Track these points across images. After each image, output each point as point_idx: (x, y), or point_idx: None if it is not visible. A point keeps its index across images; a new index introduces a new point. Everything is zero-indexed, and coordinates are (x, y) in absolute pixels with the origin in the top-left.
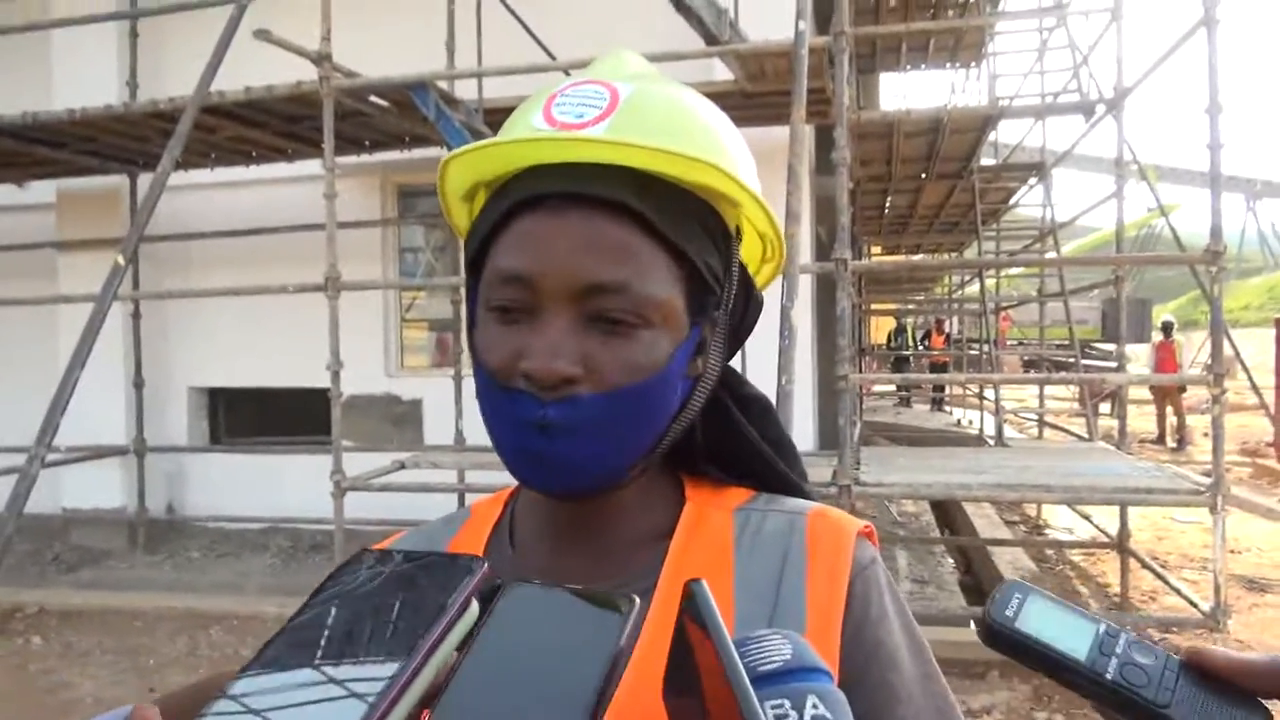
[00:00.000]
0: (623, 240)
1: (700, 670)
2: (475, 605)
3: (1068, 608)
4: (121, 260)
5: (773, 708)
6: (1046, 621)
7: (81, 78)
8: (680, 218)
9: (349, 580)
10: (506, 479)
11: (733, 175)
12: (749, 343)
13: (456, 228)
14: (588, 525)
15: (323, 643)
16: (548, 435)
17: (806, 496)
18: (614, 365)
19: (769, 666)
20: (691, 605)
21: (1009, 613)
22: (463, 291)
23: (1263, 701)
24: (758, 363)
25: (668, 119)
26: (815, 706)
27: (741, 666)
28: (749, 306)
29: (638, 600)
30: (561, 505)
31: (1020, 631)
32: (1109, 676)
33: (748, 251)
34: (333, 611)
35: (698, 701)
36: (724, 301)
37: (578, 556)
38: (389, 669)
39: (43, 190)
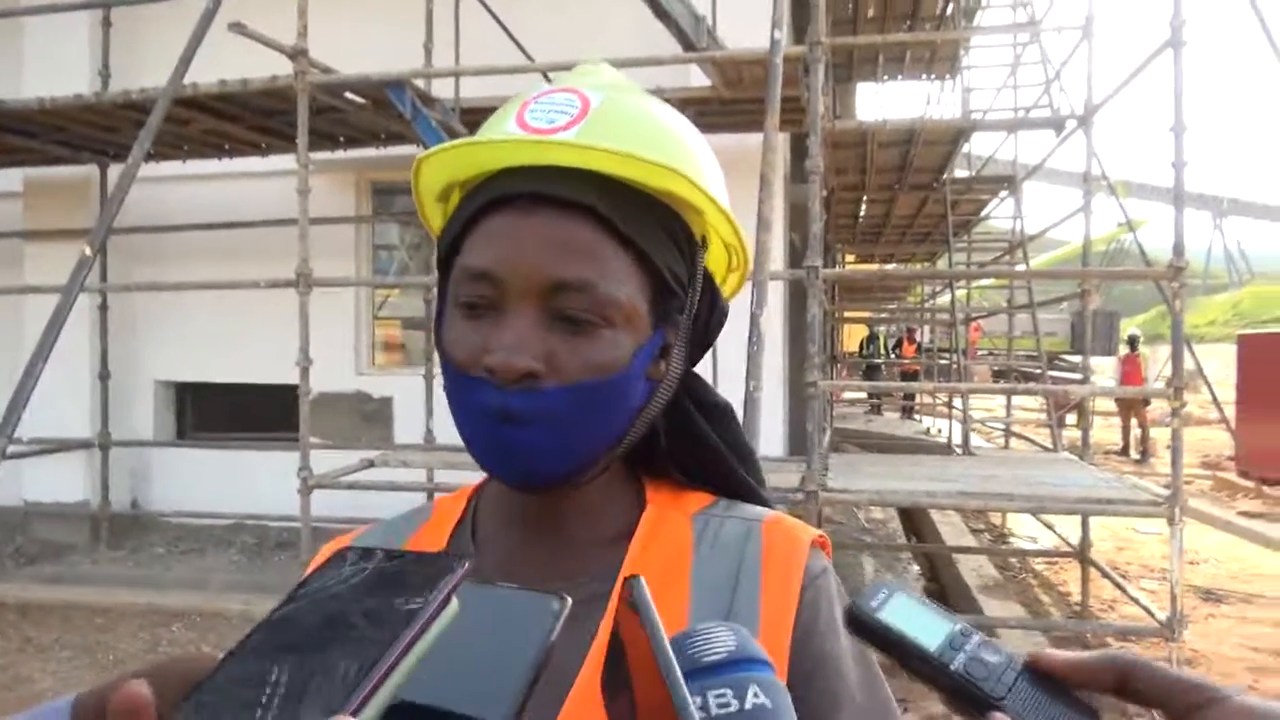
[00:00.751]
0: (587, 241)
1: (632, 667)
2: (455, 602)
3: (930, 608)
4: (89, 251)
5: (715, 696)
6: (906, 616)
7: (53, 66)
8: (645, 223)
9: (332, 576)
10: (476, 478)
11: (696, 183)
12: (719, 347)
13: (430, 226)
14: (549, 522)
15: (303, 636)
16: (510, 424)
17: (765, 502)
18: (575, 362)
19: (713, 657)
20: (631, 601)
21: (873, 604)
22: (435, 290)
23: (1094, 706)
24: (727, 368)
25: (636, 127)
26: (756, 695)
27: (673, 656)
28: (714, 314)
29: (569, 599)
30: (524, 501)
31: (880, 621)
32: (953, 667)
33: (714, 260)
34: (314, 606)
35: (629, 698)
36: (687, 307)
37: (538, 553)
38: (368, 662)
39: (9, 178)
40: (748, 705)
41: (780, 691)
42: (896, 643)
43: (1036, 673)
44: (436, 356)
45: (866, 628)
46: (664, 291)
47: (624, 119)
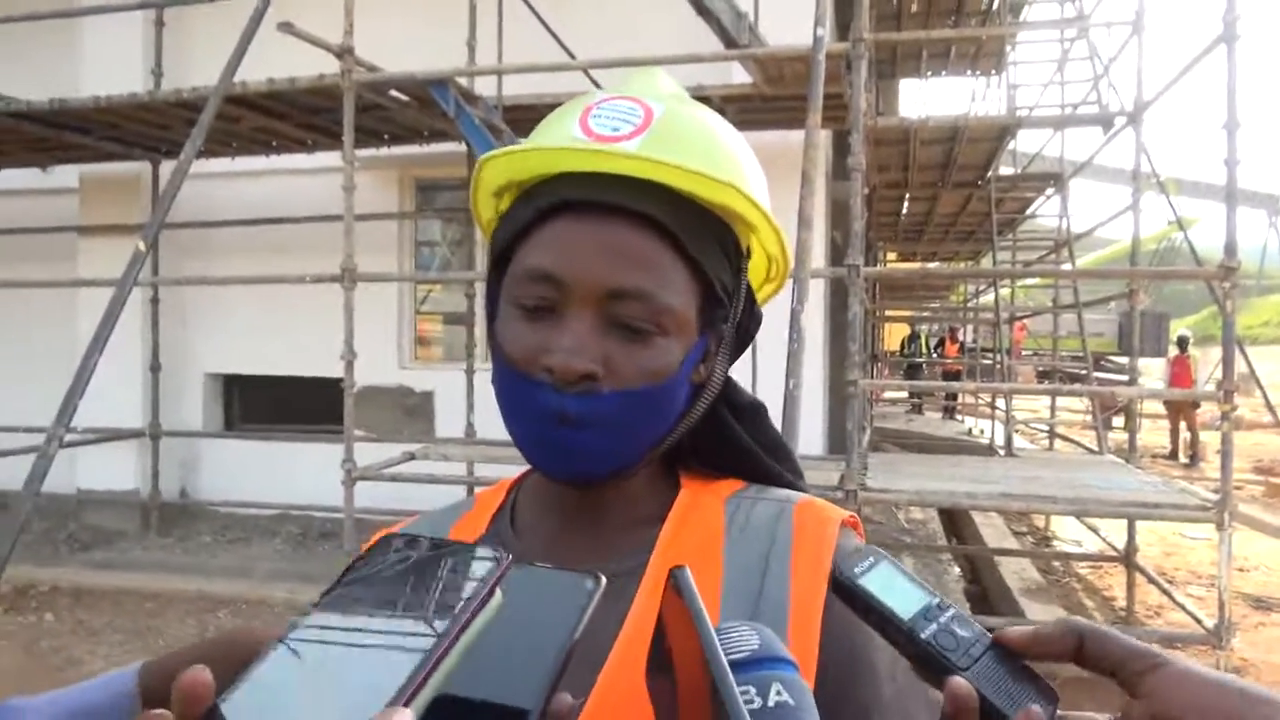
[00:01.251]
0: (649, 251)
1: (673, 652)
2: (499, 595)
3: (912, 579)
4: (143, 246)
5: (740, 693)
6: (887, 584)
7: (108, 66)
8: (701, 235)
9: (378, 563)
10: (516, 472)
11: (754, 200)
12: (759, 345)
13: (480, 220)
14: (587, 511)
15: (352, 623)
16: (567, 426)
17: (797, 489)
18: (631, 368)
19: (737, 655)
20: (675, 591)
21: (857, 570)
22: (478, 286)
23: (1053, 688)
24: (767, 365)
25: (696, 141)
26: (779, 693)
27: (722, 653)
28: (751, 320)
29: (603, 579)
30: (566, 491)
31: (860, 586)
32: (923, 636)
33: (754, 269)
34: (362, 593)
35: (670, 680)
36: (731, 315)
37: (575, 538)
38: (417, 653)
39: (66, 175)
40: (770, 703)
41: (803, 691)
42: (874, 608)
43: (1004, 650)
44: (479, 352)
45: (847, 591)
46: (711, 300)
47: (685, 132)
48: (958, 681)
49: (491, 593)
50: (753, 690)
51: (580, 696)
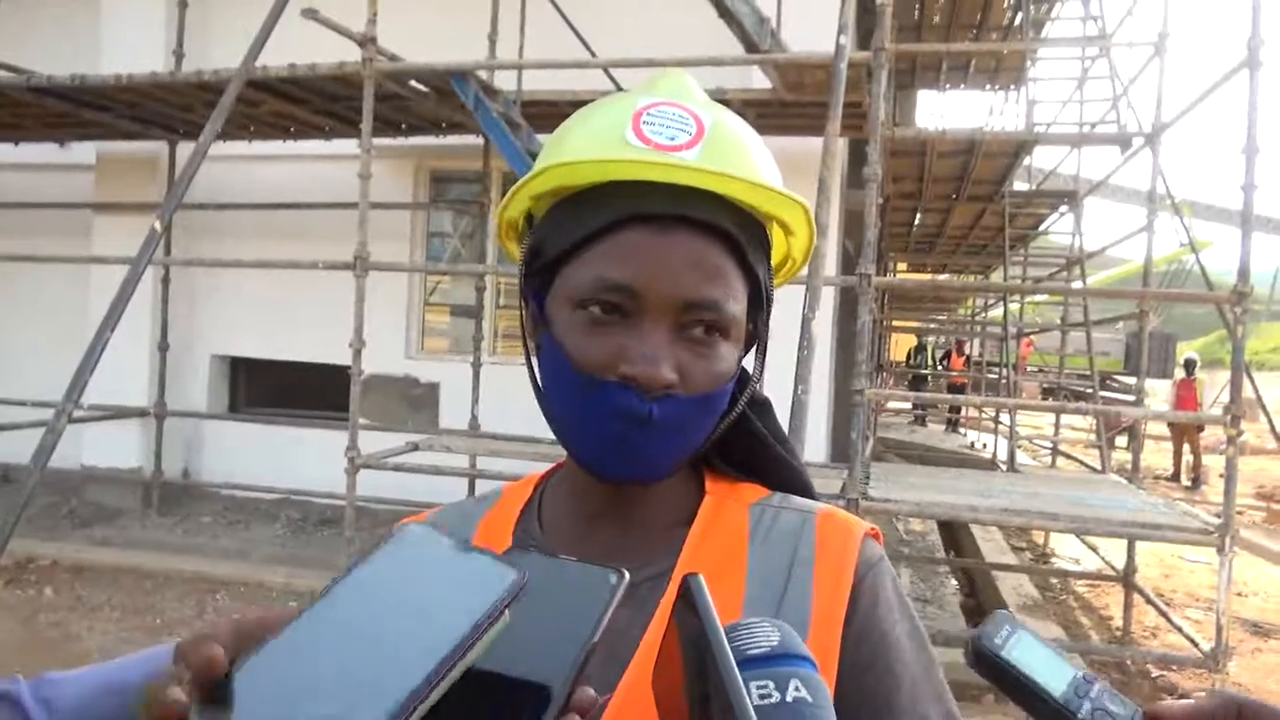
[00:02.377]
0: (719, 262)
1: (656, 664)
2: (507, 615)
3: (1051, 649)
4: (159, 226)
5: (758, 687)
6: (1031, 655)
7: (130, 44)
8: (755, 243)
9: (396, 557)
10: (518, 467)
11: (809, 211)
12: (769, 349)
13: (506, 217)
14: (616, 510)
15: (359, 625)
16: (646, 429)
17: (811, 491)
18: (703, 374)
19: (757, 650)
20: (687, 597)
21: (998, 640)
22: (488, 279)
23: None
24: (775, 370)
25: (745, 151)
26: (798, 689)
27: (731, 654)
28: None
29: (627, 574)
30: (598, 490)
31: (1006, 660)
32: (1080, 716)
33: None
34: (380, 583)
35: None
36: (766, 317)
37: (603, 538)
38: (424, 659)
39: (83, 151)
40: (789, 698)
41: (821, 689)
42: (1022, 683)
43: None
44: (486, 345)
45: (991, 663)
46: (756, 304)
47: (735, 142)
48: None
49: (501, 614)
50: (771, 685)
51: (608, 692)
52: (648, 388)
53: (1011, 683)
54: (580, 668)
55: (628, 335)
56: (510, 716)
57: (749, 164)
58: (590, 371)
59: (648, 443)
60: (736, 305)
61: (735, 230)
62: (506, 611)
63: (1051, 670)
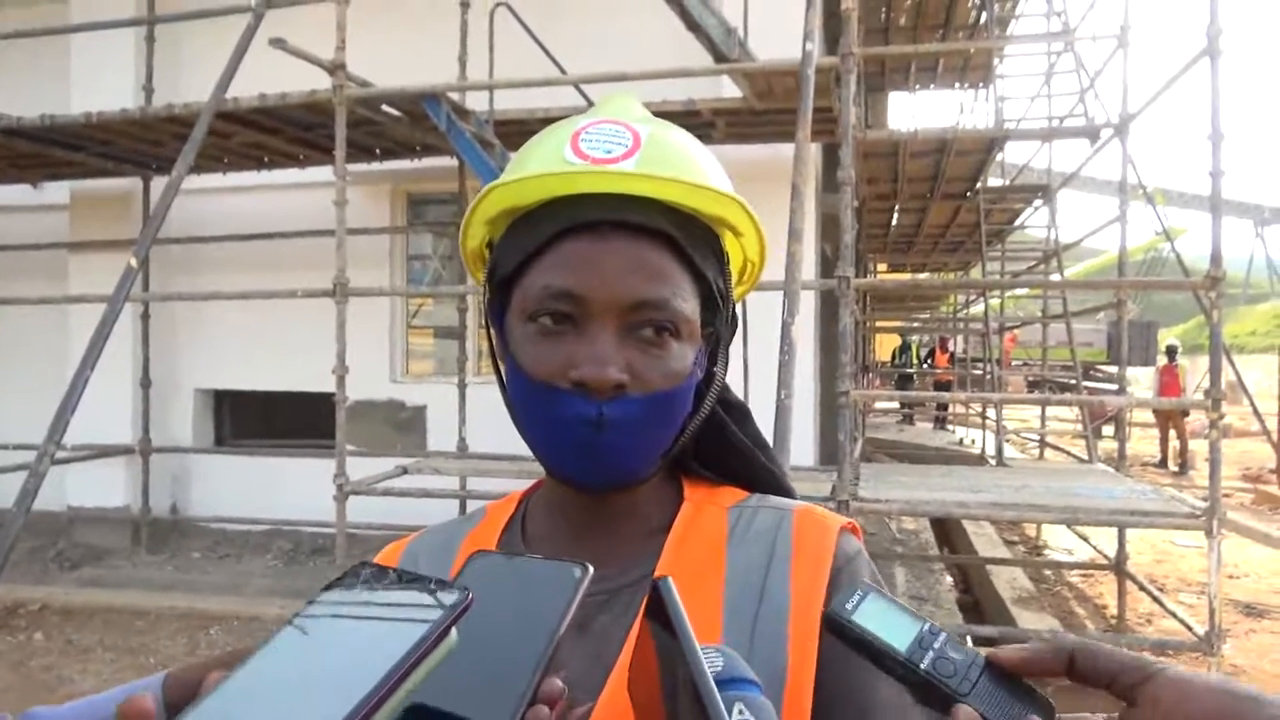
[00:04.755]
0: (660, 263)
1: (630, 665)
2: (454, 635)
3: (900, 608)
4: (135, 263)
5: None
6: (878, 616)
7: (99, 82)
8: (700, 244)
9: (346, 594)
10: (508, 486)
11: (747, 209)
12: (751, 356)
13: (467, 248)
14: (597, 521)
15: (306, 659)
16: (601, 430)
17: (791, 493)
18: (654, 372)
19: None
20: (656, 601)
21: (848, 607)
22: (470, 300)
23: (1049, 702)
24: (759, 377)
25: (682, 158)
26: (742, 712)
27: (704, 661)
28: (732, 321)
29: (590, 568)
30: (575, 502)
31: (853, 623)
32: (923, 667)
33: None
34: (325, 625)
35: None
36: (726, 317)
37: (586, 549)
38: (362, 690)
39: (56, 191)
40: None
41: (766, 710)
42: (869, 643)
43: (997, 669)
44: (471, 366)
45: (841, 630)
46: (709, 304)
47: (671, 151)
48: (966, 711)
49: (446, 633)
50: None
51: (591, 698)
52: (597, 389)
53: (862, 645)
54: (548, 660)
55: (577, 342)
56: None
57: (685, 169)
58: (544, 380)
59: (608, 444)
60: (684, 304)
61: (674, 231)
62: (453, 631)
63: (897, 628)
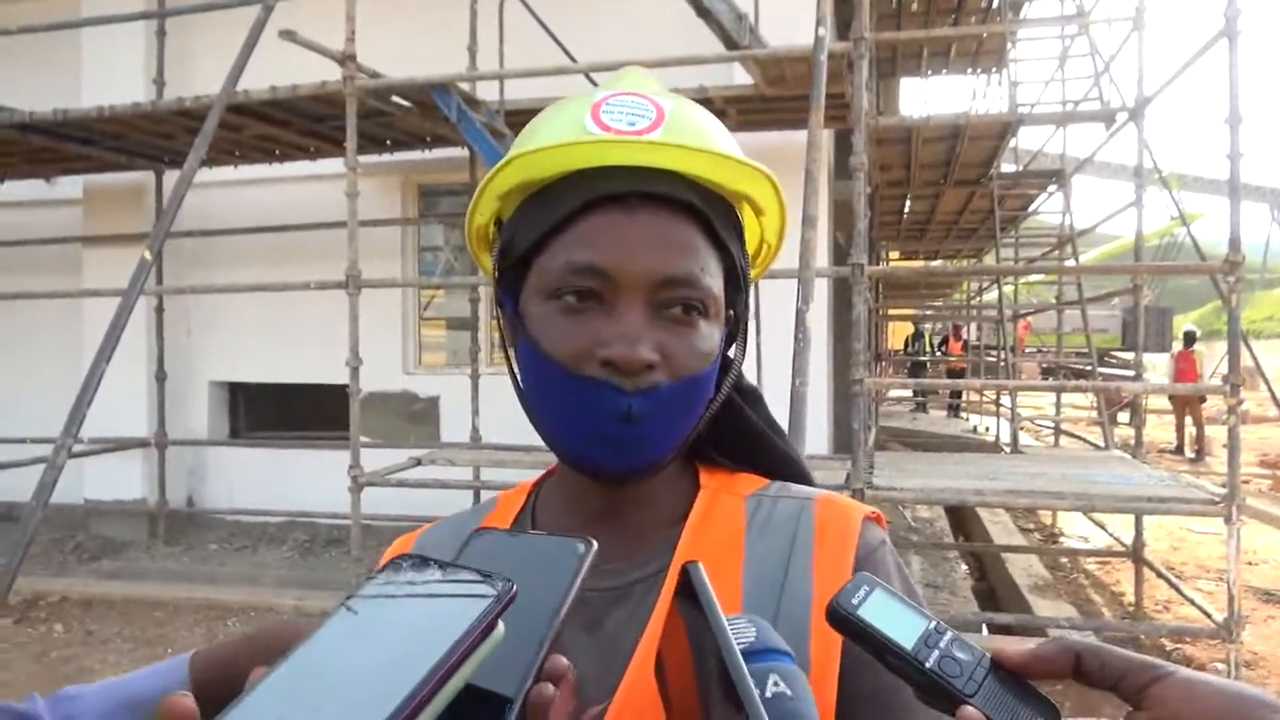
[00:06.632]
0: (688, 238)
1: (662, 652)
2: (501, 627)
3: (906, 604)
4: (149, 256)
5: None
6: (885, 611)
7: (110, 76)
8: (727, 221)
9: (387, 586)
10: (521, 476)
11: (777, 185)
12: (765, 343)
13: (473, 224)
14: (610, 510)
15: (353, 654)
16: (630, 423)
17: (809, 478)
18: (684, 353)
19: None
20: (687, 587)
21: (854, 600)
22: (482, 290)
23: (1055, 704)
24: (773, 364)
25: (708, 133)
26: (776, 684)
27: (735, 642)
28: (747, 305)
29: (594, 543)
30: (588, 491)
31: (859, 618)
32: (929, 665)
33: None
34: (366, 616)
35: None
36: (746, 297)
37: (599, 540)
38: (408, 683)
39: (70, 185)
40: (768, 693)
41: (800, 681)
42: (875, 639)
43: (1002, 670)
44: (483, 356)
45: (847, 623)
46: (732, 283)
47: (696, 124)
48: (971, 712)
49: (492, 626)
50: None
51: (606, 698)
52: (627, 370)
53: (867, 639)
54: (552, 637)
55: (604, 320)
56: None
57: (711, 143)
58: (567, 362)
59: (633, 435)
60: (713, 280)
61: (701, 204)
62: (500, 623)
63: (904, 624)
